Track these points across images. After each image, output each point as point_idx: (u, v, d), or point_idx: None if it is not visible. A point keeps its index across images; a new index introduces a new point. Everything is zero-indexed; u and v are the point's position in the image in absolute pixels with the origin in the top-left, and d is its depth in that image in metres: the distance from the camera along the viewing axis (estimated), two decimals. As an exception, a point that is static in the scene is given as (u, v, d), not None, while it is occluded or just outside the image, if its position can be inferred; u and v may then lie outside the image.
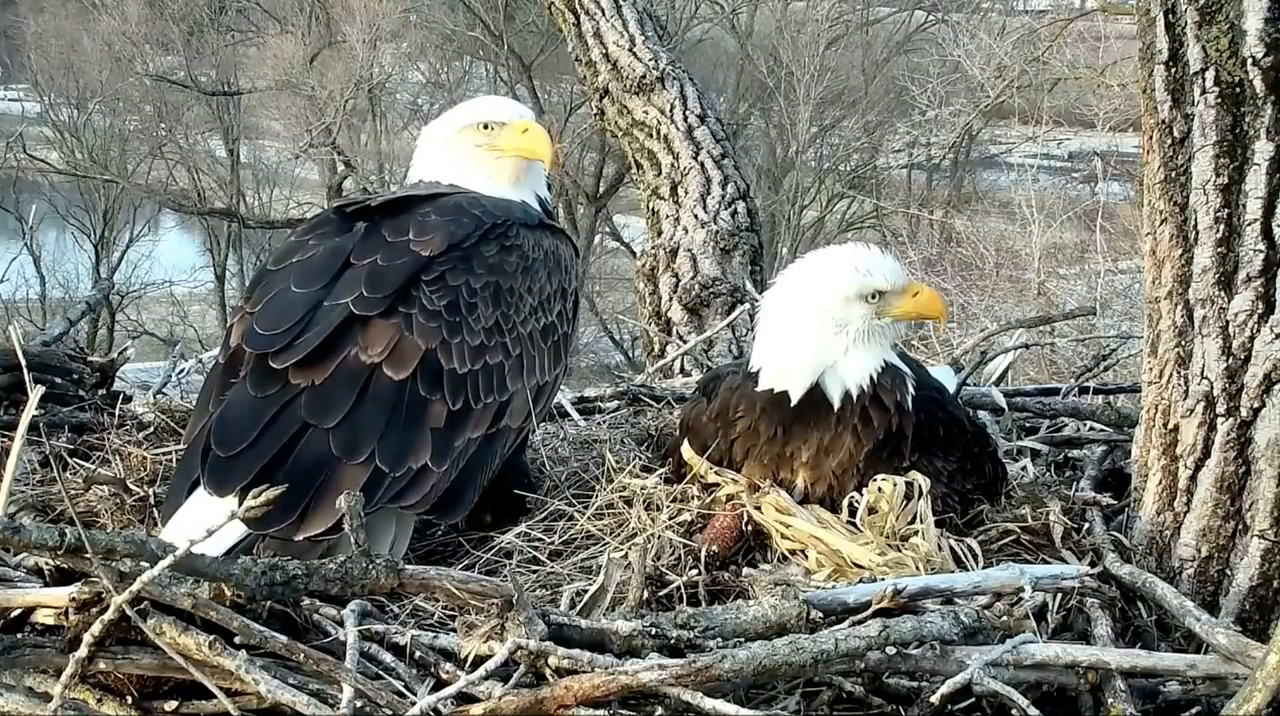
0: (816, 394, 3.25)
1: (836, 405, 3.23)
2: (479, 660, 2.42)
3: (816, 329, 3.25)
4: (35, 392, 2.88)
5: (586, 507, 3.34)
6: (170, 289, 27.53)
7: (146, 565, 2.36)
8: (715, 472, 3.36)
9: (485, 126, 3.60)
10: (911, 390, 3.28)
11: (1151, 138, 3.00)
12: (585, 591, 2.87)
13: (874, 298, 3.23)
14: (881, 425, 3.21)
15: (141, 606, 2.37)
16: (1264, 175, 2.83)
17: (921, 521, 3.09)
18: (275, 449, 2.93)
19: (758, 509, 3.19)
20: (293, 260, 3.29)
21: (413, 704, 2.32)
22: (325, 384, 3.02)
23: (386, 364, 3.07)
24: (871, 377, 3.23)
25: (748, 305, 5.60)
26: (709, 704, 2.33)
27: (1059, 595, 2.88)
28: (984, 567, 3.00)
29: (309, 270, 3.23)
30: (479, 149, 3.59)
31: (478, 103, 3.77)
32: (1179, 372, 3.02)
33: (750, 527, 3.17)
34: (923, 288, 3.32)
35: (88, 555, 2.34)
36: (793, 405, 3.25)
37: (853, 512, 3.14)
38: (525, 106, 3.75)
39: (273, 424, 2.97)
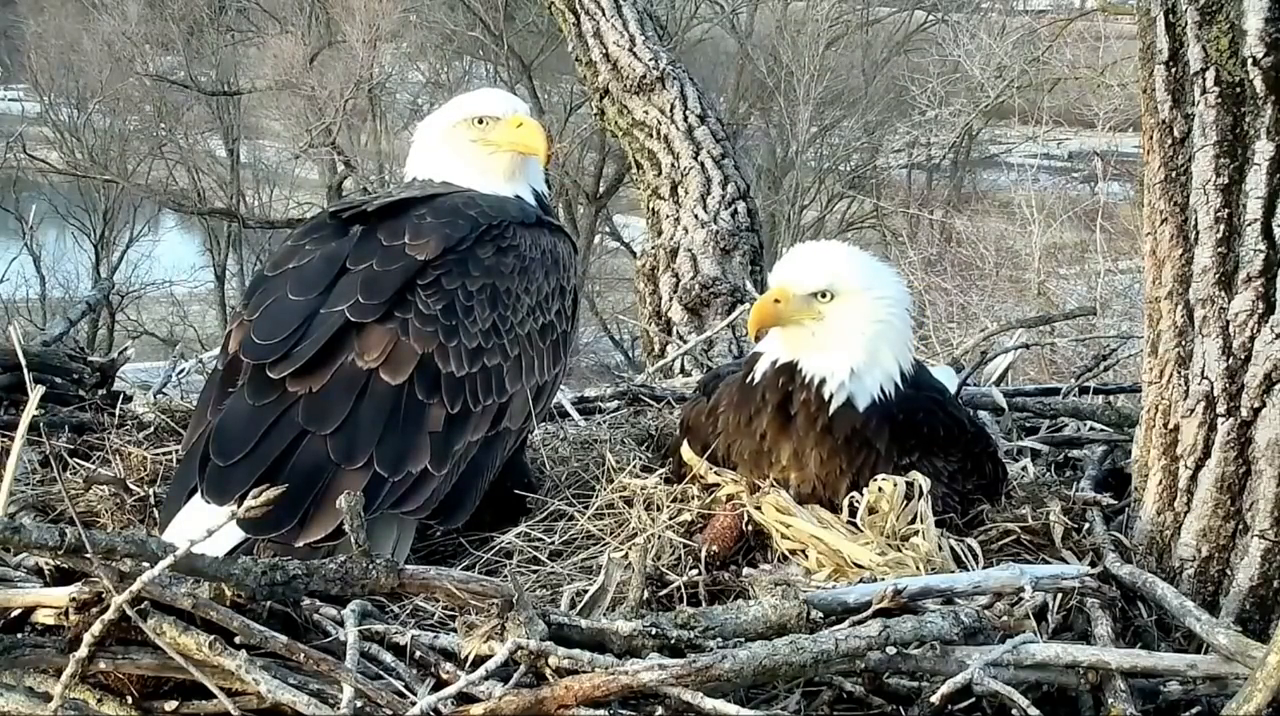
0: (753, 377, 3.29)
1: (756, 380, 3.26)
2: (479, 660, 2.42)
3: None
4: (35, 392, 2.88)
5: (587, 507, 3.34)
6: (170, 289, 27.52)
7: (147, 565, 2.36)
8: (715, 473, 3.36)
9: (479, 121, 3.57)
10: (840, 396, 3.18)
11: (1151, 138, 3.00)
12: (585, 591, 2.87)
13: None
14: (840, 428, 3.17)
15: (141, 606, 2.37)
16: (1264, 175, 2.83)
17: (922, 521, 3.09)
18: (273, 456, 2.93)
19: (758, 509, 3.19)
20: (289, 266, 3.27)
21: (413, 704, 2.32)
22: (322, 390, 3.01)
23: (383, 369, 3.05)
24: (772, 364, 3.24)
25: (747, 305, 5.59)
26: (709, 704, 2.33)
27: (1059, 595, 2.87)
28: (984, 567, 3.00)
29: (305, 277, 3.21)
30: (473, 144, 3.57)
31: (471, 96, 3.71)
32: (1179, 372, 3.02)
33: (750, 527, 3.17)
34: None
35: (88, 555, 2.34)
36: (746, 382, 3.28)
37: (853, 512, 3.13)
38: (519, 100, 3.71)
39: (270, 431, 2.96)
